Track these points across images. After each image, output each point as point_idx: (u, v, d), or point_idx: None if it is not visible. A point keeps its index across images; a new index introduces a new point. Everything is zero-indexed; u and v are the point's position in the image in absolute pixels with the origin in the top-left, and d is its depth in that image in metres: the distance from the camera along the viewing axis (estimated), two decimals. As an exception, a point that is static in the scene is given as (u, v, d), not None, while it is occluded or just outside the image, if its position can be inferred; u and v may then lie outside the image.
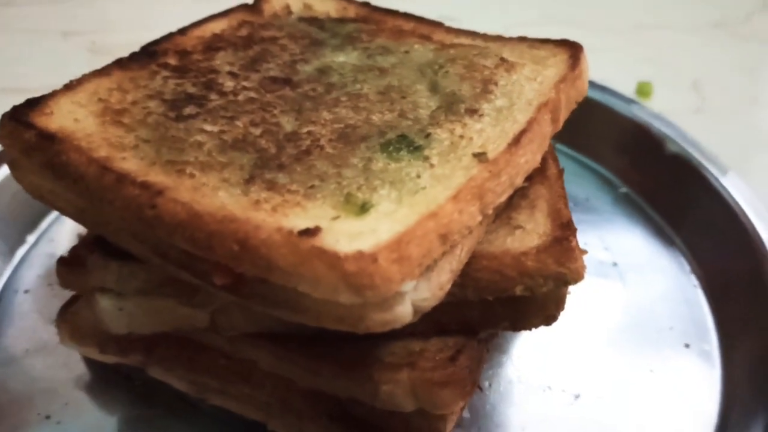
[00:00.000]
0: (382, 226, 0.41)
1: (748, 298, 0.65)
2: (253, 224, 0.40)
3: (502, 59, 0.58)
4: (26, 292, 0.69)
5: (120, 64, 0.56)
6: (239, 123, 0.51)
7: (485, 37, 0.64)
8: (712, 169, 0.75)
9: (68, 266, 0.55)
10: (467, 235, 0.44)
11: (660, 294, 0.70)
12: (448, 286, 0.43)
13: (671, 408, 0.60)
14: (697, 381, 0.62)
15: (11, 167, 0.50)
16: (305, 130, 0.50)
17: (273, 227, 0.40)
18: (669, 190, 0.77)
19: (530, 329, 0.51)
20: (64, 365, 0.62)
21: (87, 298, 0.54)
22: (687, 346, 0.65)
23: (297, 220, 0.41)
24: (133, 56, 0.57)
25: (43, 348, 0.63)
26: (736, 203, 0.71)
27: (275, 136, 0.50)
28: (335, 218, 0.42)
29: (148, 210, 0.43)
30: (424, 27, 0.66)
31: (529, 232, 0.49)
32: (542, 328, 0.53)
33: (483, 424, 0.58)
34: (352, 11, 0.68)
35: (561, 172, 0.56)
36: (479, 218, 0.45)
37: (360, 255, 0.38)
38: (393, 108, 0.53)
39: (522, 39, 0.62)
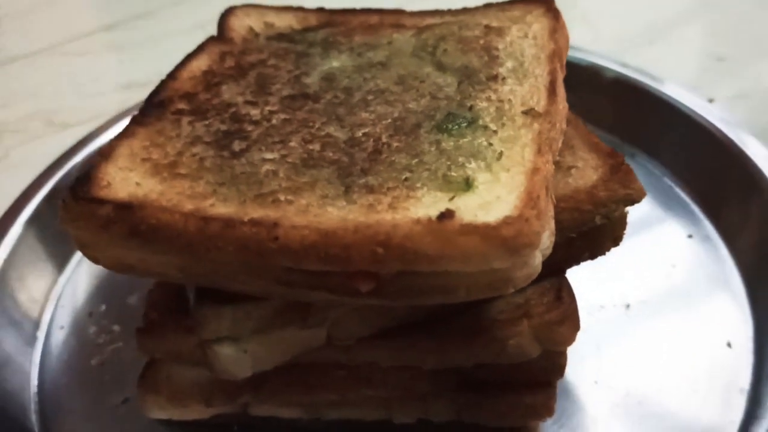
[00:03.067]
0: (501, 193, 0.44)
1: (728, 182, 0.75)
2: (388, 224, 0.42)
3: (487, 26, 0.63)
4: (67, 385, 0.65)
5: (138, 121, 0.55)
6: (294, 144, 0.52)
7: (451, 12, 0.68)
8: (651, 83, 0.83)
9: (149, 334, 0.54)
10: (552, 183, 0.49)
11: (645, 199, 0.78)
12: (555, 232, 0.47)
13: (701, 291, 0.68)
14: (709, 263, 0.71)
15: (82, 249, 0.48)
16: (360, 133, 0.52)
17: (409, 222, 0.42)
18: (617, 111, 0.85)
19: (604, 254, 0.56)
20: (146, 443, 0.60)
21: (182, 356, 0.53)
22: (690, 236, 0.74)
23: (419, 210, 0.44)
24: (145, 111, 0.56)
25: (115, 432, 0.61)
26: (684, 105, 0.80)
27: (336, 146, 0.51)
28: (452, 199, 0.45)
29: (270, 243, 0.43)
30: (389, 17, 0.68)
31: (584, 169, 0.54)
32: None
33: (564, 354, 0.63)
34: (313, 19, 0.70)
35: (575, 114, 0.61)
36: (553, 166, 0.50)
37: (510, 219, 0.41)
38: (421, 93, 0.56)
39: (488, 5, 0.67)
